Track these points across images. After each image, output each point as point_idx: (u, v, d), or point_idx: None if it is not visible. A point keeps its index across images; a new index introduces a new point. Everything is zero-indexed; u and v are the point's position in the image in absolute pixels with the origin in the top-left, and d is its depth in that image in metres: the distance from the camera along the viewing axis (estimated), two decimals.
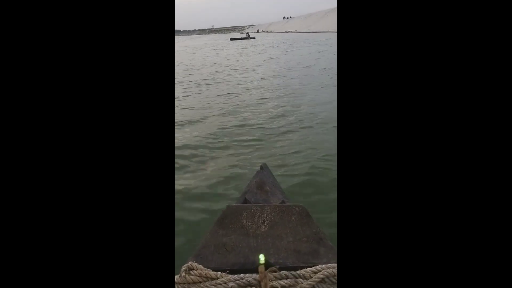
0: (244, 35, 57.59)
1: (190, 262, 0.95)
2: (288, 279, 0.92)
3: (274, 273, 0.93)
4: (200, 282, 0.94)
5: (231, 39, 51.56)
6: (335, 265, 0.92)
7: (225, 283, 0.90)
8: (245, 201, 1.43)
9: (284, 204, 1.29)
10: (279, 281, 0.91)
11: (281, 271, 0.94)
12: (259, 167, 1.78)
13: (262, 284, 0.52)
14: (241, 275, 0.91)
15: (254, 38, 54.33)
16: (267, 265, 0.95)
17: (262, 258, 0.52)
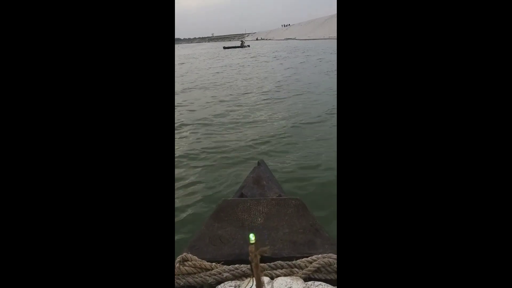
0: (238, 43, 52.58)
1: (184, 253, 0.94)
2: (284, 269, 0.91)
3: (269, 263, 0.92)
4: (195, 273, 0.92)
5: (224, 48, 46.88)
6: (331, 254, 0.91)
7: (220, 273, 0.89)
8: (242, 195, 1.42)
9: (280, 197, 1.29)
10: (274, 271, 0.90)
11: (277, 261, 0.93)
12: (257, 163, 1.78)
13: (253, 264, 0.52)
14: (236, 265, 0.90)
15: (248, 46, 49.23)
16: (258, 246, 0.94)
17: (252, 237, 0.52)
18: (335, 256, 0.92)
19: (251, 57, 22.28)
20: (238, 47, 47.63)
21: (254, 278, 0.54)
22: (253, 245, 0.52)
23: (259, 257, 0.53)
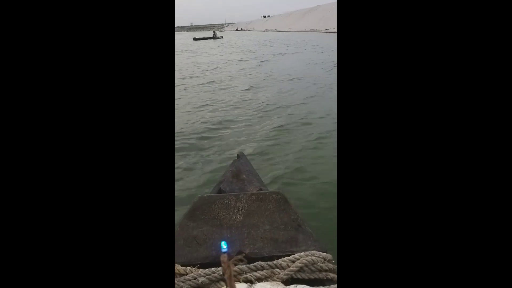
0: (211, 34, 46.86)
1: None
2: (264, 270, 0.84)
3: (248, 265, 0.85)
4: None
5: (194, 39, 41.54)
6: (314, 252, 0.87)
7: (195, 278, 0.81)
8: (220, 191, 1.34)
9: (261, 191, 1.22)
10: (254, 273, 0.83)
11: (257, 262, 0.86)
12: (236, 156, 1.70)
13: (226, 275, 0.45)
14: (213, 268, 0.83)
15: (221, 37, 44.07)
16: (238, 253, 0.87)
17: (224, 246, 0.44)
18: (318, 253, 0.87)
19: (230, 53, 17.43)
20: (210, 38, 43.23)
21: None
22: (225, 255, 0.44)
23: (233, 267, 0.46)
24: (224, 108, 5.42)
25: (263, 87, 7.20)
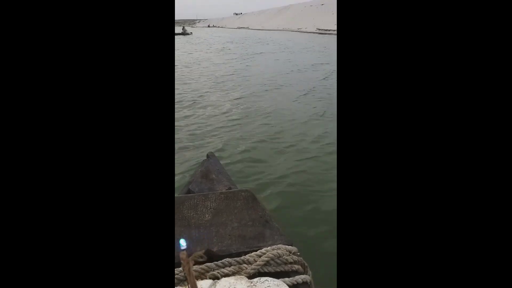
0: (180, 30, 43.23)
1: None
2: (232, 266, 0.87)
3: (216, 262, 0.87)
4: None
5: None
6: (280, 245, 0.90)
7: None
8: (188, 191, 1.34)
9: (230, 190, 1.24)
10: (222, 269, 0.85)
11: (224, 259, 0.88)
12: (206, 156, 1.69)
13: (185, 272, 0.46)
14: (179, 268, 0.83)
15: (191, 34, 41.85)
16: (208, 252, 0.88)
17: (183, 243, 0.46)
18: (284, 246, 0.91)
19: (206, 53, 14.86)
20: (179, 34, 40.27)
21: (189, 286, 0.48)
22: (184, 252, 0.46)
23: (192, 263, 0.48)
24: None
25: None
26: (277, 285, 0.71)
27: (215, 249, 0.92)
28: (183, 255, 0.46)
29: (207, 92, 6.60)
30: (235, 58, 12.74)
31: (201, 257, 0.51)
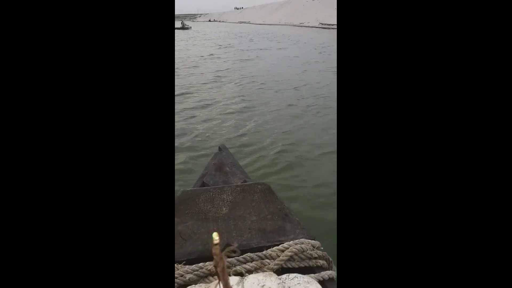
0: (178, 24, 41.56)
1: None
2: (254, 262, 0.83)
3: (237, 257, 0.83)
4: None
5: None
6: (303, 240, 0.87)
7: (182, 275, 0.78)
8: (203, 184, 1.30)
9: (245, 183, 1.20)
10: (244, 265, 0.82)
11: (246, 254, 0.84)
12: (218, 149, 1.65)
13: (219, 269, 0.42)
14: (200, 264, 0.80)
15: (190, 28, 41.93)
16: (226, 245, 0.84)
17: (216, 236, 0.41)
18: (307, 241, 0.88)
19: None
20: (178, 28, 39.72)
21: (221, 284, 0.44)
22: (217, 246, 0.42)
23: (225, 259, 0.44)
24: None
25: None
26: (308, 282, 0.68)
27: (235, 244, 0.88)
28: (216, 250, 0.42)
29: None
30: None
31: (234, 252, 0.47)
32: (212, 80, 6.92)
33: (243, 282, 0.66)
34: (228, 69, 8.46)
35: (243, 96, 5.55)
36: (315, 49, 13.34)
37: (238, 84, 6.54)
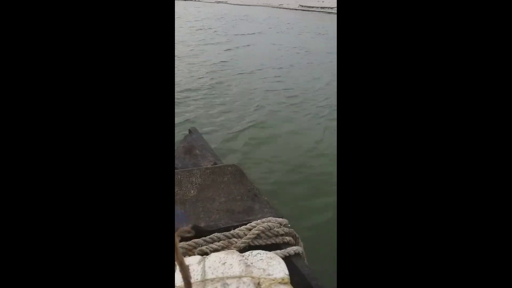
0: None
1: None
2: (221, 241, 0.83)
3: (204, 238, 0.83)
4: None
5: None
6: (270, 218, 0.88)
7: None
8: None
9: (215, 165, 1.18)
10: (210, 245, 0.81)
11: (213, 234, 0.84)
12: (188, 131, 1.61)
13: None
14: None
15: None
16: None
17: None
18: (274, 219, 0.89)
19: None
20: None
21: (176, 263, 0.44)
22: None
23: (178, 239, 0.43)
24: None
25: None
26: (270, 258, 0.69)
27: (202, 225, 0.88)
28: None
29: None
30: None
31: (188, 232, 0.46)
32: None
33: (205, 261, 0.66)
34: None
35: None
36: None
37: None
